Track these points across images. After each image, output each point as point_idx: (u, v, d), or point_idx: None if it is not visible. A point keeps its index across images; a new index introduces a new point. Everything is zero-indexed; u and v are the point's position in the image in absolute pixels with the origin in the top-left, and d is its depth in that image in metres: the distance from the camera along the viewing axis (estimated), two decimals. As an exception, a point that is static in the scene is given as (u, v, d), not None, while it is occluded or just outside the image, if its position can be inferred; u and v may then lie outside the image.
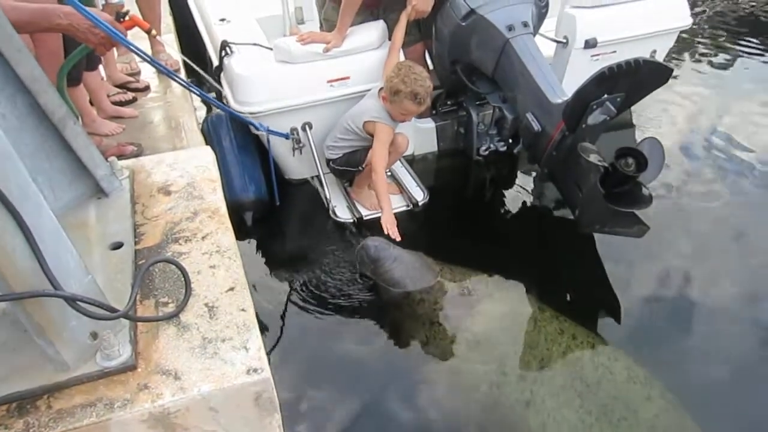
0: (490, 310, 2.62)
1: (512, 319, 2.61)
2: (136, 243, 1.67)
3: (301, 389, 2.48)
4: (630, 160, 2.56)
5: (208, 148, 2.15)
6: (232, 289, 1.51)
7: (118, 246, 1.63)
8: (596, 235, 3.12)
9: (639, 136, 4.14)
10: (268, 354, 2.54)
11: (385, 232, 2.93)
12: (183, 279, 1.48)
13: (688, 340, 2.67)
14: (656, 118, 4.35)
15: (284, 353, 2.65)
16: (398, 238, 2.90)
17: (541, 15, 3.34)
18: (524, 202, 3.67)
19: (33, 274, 1.19)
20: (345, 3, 3.20)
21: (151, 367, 1.32)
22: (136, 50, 2.40)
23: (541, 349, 2.44)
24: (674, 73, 2.67)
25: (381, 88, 3.18)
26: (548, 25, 3.61)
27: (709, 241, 3.23)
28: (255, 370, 1.31)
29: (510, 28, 3.12)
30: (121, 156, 2.71)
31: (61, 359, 1.29)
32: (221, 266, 1.57)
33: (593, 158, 2.67)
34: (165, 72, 2.68)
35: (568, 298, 2.93)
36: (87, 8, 2.04)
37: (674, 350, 2.63)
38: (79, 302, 1.23)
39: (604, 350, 2.48)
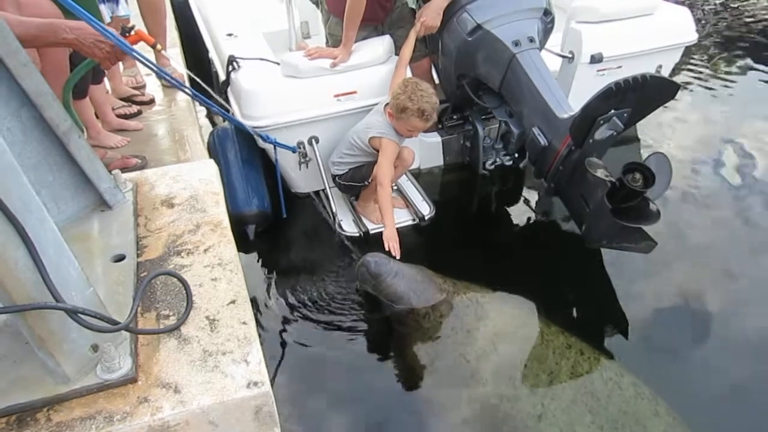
0: (496, 324, 2.60)
1: (519, 333, 2.60)
2: (138, 255, 1.67)
3: (303, 403, 2.46)
4: (637, 176, 2.55)
5: (212, 161, 2.15)
6: (233, 302, 1.50)
7: (120, 258, 1.63)
8: (603, 251, 3.11)
9: (645, 151, 4.13)
10: (270, 368, 2.53)
11: (386, 248, 2.92)
12: (184, 292, 1.48)
13: (693, 359, 2.64)
14: (663, 133, 4.34)
15: (286, 367, 2.64)
16: (398, 255, 2.89)
17: (547, 30, 3.35)
18: (530, 217, 3.66)
19: (35, 287, 1.19)
20: (347, 17, 3.21)
21: (152, 380, 1.31)
22: (143, 60, 2.41)
23: (549, 363, 2.43)
24: (680, 89, 2.65)
25: (387, 104, 3.18)
26: (554, 40, 3.61)
27: (718, 258, 3.20)
28: (255, 384, 1.30)
29: (516, 43, 3.13)
30: (125, 168, 2.73)
31: (62, 371, 1.28)
32: (223, 279, 1.57)
33: (600, 173, 2.66)
34: (172, 82, 2.69)
35: (573, 313, 2.91)
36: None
37: (678, 368, 2.60)
38: (80, 314, 1.23)
39: (610, 365, 2.47)
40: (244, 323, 1.44)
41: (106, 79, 3.55)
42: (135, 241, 1.72)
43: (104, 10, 3.40)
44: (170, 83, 2.81)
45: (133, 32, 2.34)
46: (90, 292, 1.31)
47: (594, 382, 2.36)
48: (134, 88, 3.95)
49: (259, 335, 1.45)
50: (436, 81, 3.74)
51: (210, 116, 4.87)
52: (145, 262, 1.65)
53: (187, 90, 2.77)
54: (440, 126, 3.93)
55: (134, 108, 3.71)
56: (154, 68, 2.55)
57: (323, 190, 3.53)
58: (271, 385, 1.34)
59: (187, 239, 1.72)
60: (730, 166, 3.96)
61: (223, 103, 3.45)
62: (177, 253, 1.67)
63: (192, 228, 1.77)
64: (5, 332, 1.40)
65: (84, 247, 1.67)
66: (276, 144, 3.23)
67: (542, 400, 2.28)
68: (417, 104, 2.99)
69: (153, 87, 4.04)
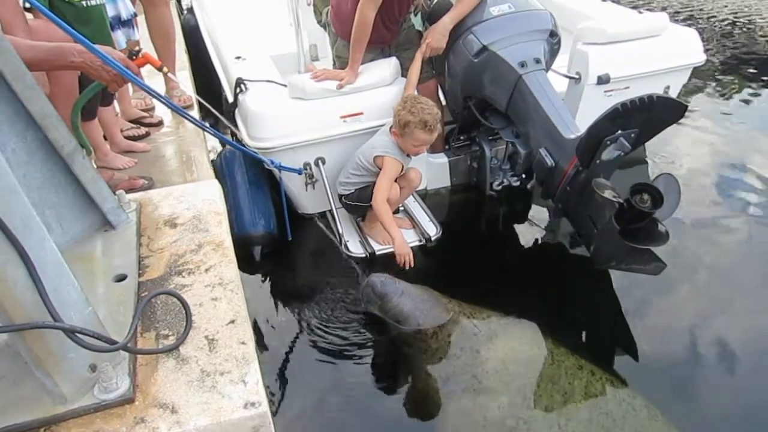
0: (506, 344, 2.58)
1: (530, 354, 2.57)
2: (140, 275, 1.67)
3: (303, 426, 2.42)
4: (645, 196, 2.54)
5: (215, 181, 2.17)
6: (232, 321, 1.50)
7: (122, 278, 1.64)
8: (612, 272, 3.07)
9: (653, 172, 4.11)
10: (271, 389, 2.51)
11: (398, 261, 2.90)
12: (184, 311, 1.47)
13: (701, 381, 2.60)
14: (671, 154, 4.32)
15: (288, 389, 2.60)
16: (411, 265, 2.86)
17: (553, 51, 3.36)
18: (538, 238, 3.64)
19: (34, 306, 1.20)
20: (353, 40, 3.25)
21: (149, 400, 1.30)
22: (147, 89, 2.44)
23: (562, 383, 2.40)
24: (688, 110, 2.64)
25: (392, 126, 3.19)
26: (561, 61, 3.62)
27: (728, 279, 3.16)
28: (253, 404, 1.29)
29: (522, 64, 3.14)
30: (132, 189, 2.74)
31: (59, 392, 1.28)
32: (223, 299, 1.57)
33: (608, 194, 2.64)
34: (175, 109, 2.72)
35: (582, 334, 2.87)
36: (101, 46, 2.09)
37: (686, 390, 2.56)
38: (78, 334, 1.23)
39: (622, 387, 2.45)
40: (243, 343, 1.43)
41: (115, 102, 3.59)
42: (137, 260, 1.72)
43: (121, 35, 3.46)
44: (173, 110, 2.83)
45: (140, 55, 2.38)
46: (89, 311, 1.31)
47: (608, 402, 2.34)
48: (143, 110, 3.98)
49: (262, 356, 1.45)
50: (443, 102, 3.75)
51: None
52: (146, 281, 1.65)
53: (189, 117, 2.78)
54: (447, 147, 3.94)
55: (143, 130, 3.75)
56: (158, 96, 2.57)
57: (330, 211, 3.53)
58: (273, 406, 1.32)
59: (189, 259, 1.72)
60: (740, 186, 3.92)
61: (230, 125, 3.48)
62: (178, 272, 1.67)
63: (194, 248, 1.77)
64: (5, 353, 1.40)
65: (87, 267, 1.68)
66: (281, 168, 3.24)
67: (558, 421, 2.26)
68: (418, 116, 3.01)
69: (162, 109, 4.08)
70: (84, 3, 2.89)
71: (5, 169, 1.14)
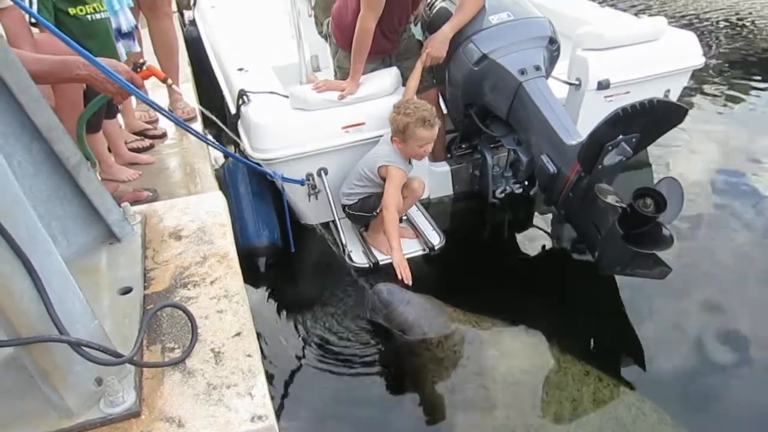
0: (512, 352, 2.58)
1: (536, 361, 2.57)
2: (145, 288, 1.67)
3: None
4: (648, 201, 2.53)
5: (220, 192, 2.17)
6: (238, 334, 1.49)
7: (127, 291, 1.63)
8: (617, 277, 3.07)
9: (656, 176, 4.11)
10: (277, 401, 2.51)
11: (398, 274, 2.89)
12: (189, 324, 1.47)
13: (708, 386, 2.59)
14: (673, 157, 4.32)
15: (293, 401, 2.60)
16: (409, 281, 2.87)
17: (552, 58, 3.37)
18: (541, 245, 3.64)
19: (39, 319, 1.19)
20: (354, 50, 3.26)
21: (155, 414, 1.30)
22: (149, 102, 2.45)
23: (571, 390, 2.40)
24: (689, 113, 2.64)
25: (392, 134, 3.20)
26: (561, 68, 3.62)
27: (734, 283, 3.15)
28: (259, 418, 1.28)
29: (522, 71, 3.15)
30: (136, 201, 2.75)
31: (65, 405, 1.27)
32: (228, 311, 1.56)
33: (611, 199, 2.64)
34: (177, 122, 2.73)
35: (588, 341, 2.86)
36: (105, 59, 2.10)
37: (694, 394, 2.55)
38: (84, 347, 1.23)
39: (630, 392, 2.45)
40: (249, 356, 1.43)
41: (119, 114, 3.60)
42: (142, 273, 1.72)
43: (121, 47, 3.48)
44: (175, 123, 2.84)
45: (144, 67, 2.39)
46: (95, 324, 1.31)
47: (617, 408, 2.34)
48: (147, 122, 4.00)
49: (267, 368, 1.44)
50: (444, 111, 3.76)
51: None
52: (151, 294, 1.65)
53: (191, 130, 2.80)
54: (449, 155, 3.94)
55: (147, 142, 3.76)
56: (161, 110, 2.58)
57: (333, 221, 3.53)
58: (278, 419, 1.32)
59: (194, 271, 1.72)
60: (743, 188, 3.92)
61: (233, 137, 3.48)
62: (183, 285, 1.67)
63: (199, 260, 1.77)
64: (11, 366, 1.39)
65: (92, 280, 1.68)
66: (283, 179, 3.24)
67: (568, 428, 2.26)
68: (415, 115, 3.02)
69: (166, 121, 4.09)
70: (89, 17, 2.91)
71: (11, 181, 1.14)
